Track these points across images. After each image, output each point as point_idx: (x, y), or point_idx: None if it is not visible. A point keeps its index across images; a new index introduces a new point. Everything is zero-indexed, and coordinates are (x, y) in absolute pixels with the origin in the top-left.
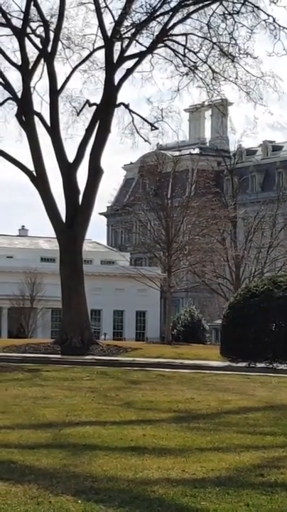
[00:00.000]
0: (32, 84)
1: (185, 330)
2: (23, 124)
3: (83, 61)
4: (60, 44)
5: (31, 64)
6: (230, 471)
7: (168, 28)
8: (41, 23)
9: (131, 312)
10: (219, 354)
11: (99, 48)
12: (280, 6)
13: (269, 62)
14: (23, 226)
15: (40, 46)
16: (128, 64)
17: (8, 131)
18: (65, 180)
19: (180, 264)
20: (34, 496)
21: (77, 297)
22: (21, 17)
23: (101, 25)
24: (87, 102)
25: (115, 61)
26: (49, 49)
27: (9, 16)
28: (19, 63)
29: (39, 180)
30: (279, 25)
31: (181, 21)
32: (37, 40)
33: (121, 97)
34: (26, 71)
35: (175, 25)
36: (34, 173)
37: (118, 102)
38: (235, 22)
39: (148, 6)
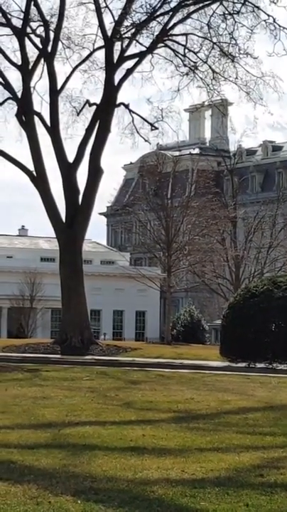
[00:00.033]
0: (32, 84)
1: (185, 330)
2: (23, 124)
3: (83, 61)
4: (60, 44)
5: (31, 64)
6: (230, 471)
7: (168, 28)
8: (41, 23)
9: (130, 312)
10: (219, 354)
11: (99, 47)
12: (280, 6)
13: (269, 63)
14: (23, 226)
15: (40, 46)
16: (128, 64)
17: (8, 131)
18: (64, 180)
19: (180, 264)
20: (33, 496)
21: (77, 297)
22: (21, 17)
23: (101, 25)
24: (87, 102)
25: (115, 61)
26: (49, 49)
27: (9, 16)
28: (19, 63)
29: (39, 180)
30: (279, 26)
31: (181, 21)
32: (37, 40)
33: (121, 97)
34: (26, 71)
35: (175, 25)
36: (34, 173)
37: (118, 102)
38: (235, 22)
39: (148, 6)
